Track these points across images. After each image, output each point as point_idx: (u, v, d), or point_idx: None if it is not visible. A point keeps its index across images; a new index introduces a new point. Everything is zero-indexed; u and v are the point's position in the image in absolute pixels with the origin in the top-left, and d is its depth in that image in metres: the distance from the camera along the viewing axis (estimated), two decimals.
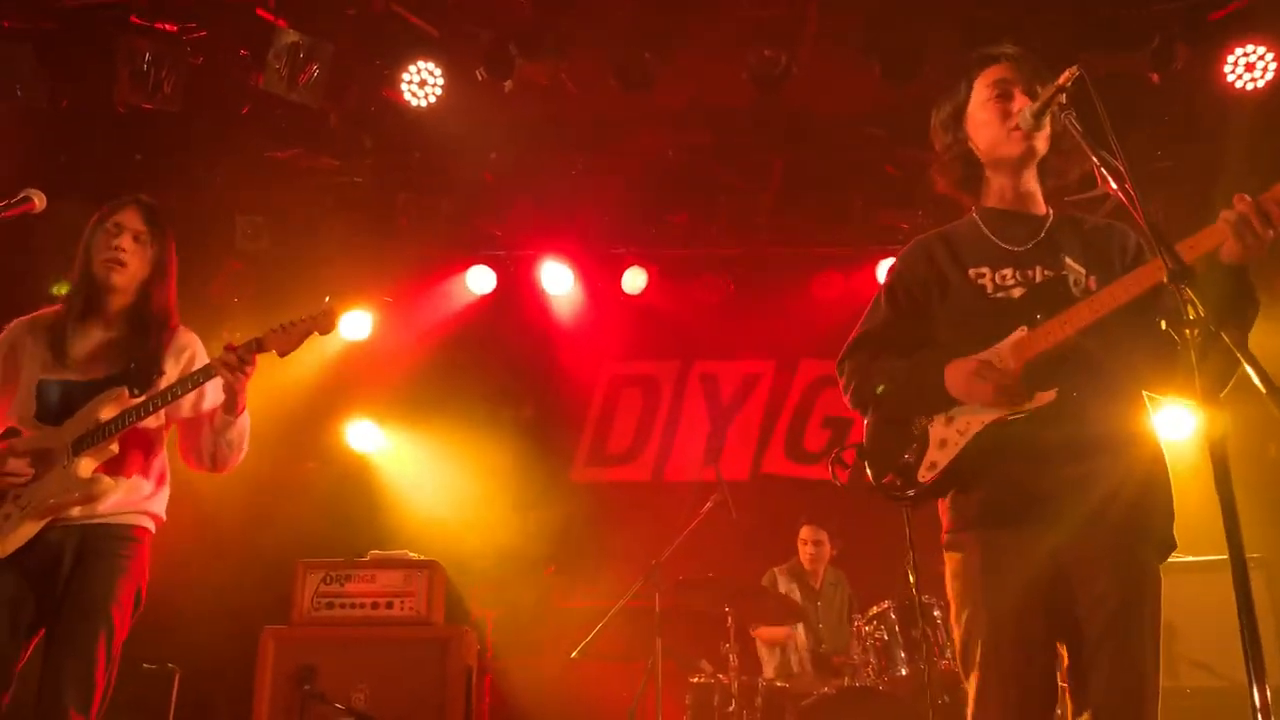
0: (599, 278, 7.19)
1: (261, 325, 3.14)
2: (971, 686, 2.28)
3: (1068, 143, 2.43)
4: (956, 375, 2.34)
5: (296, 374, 6.49)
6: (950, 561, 2.40)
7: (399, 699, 4.63)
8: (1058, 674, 2.27)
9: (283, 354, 3.13)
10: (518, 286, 7.17)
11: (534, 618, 6.53)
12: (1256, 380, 1.71)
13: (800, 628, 5.80)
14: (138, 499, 3.14)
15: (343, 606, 4.91)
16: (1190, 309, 1.78)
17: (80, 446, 3.02)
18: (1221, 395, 2.12)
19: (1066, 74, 2.15)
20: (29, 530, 2.96)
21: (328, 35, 5.18)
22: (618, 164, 6.34)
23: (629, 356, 7.62)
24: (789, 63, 5.21)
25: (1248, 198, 2.06)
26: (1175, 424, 5.72)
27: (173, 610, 4.18)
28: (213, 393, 3.22)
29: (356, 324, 6.92)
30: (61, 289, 5.25)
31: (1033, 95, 2.39)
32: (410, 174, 6.39)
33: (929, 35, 5.12)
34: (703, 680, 5.17)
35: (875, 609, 5.06)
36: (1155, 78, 5.29)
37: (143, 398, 3.09)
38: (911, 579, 4.16)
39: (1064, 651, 2.26)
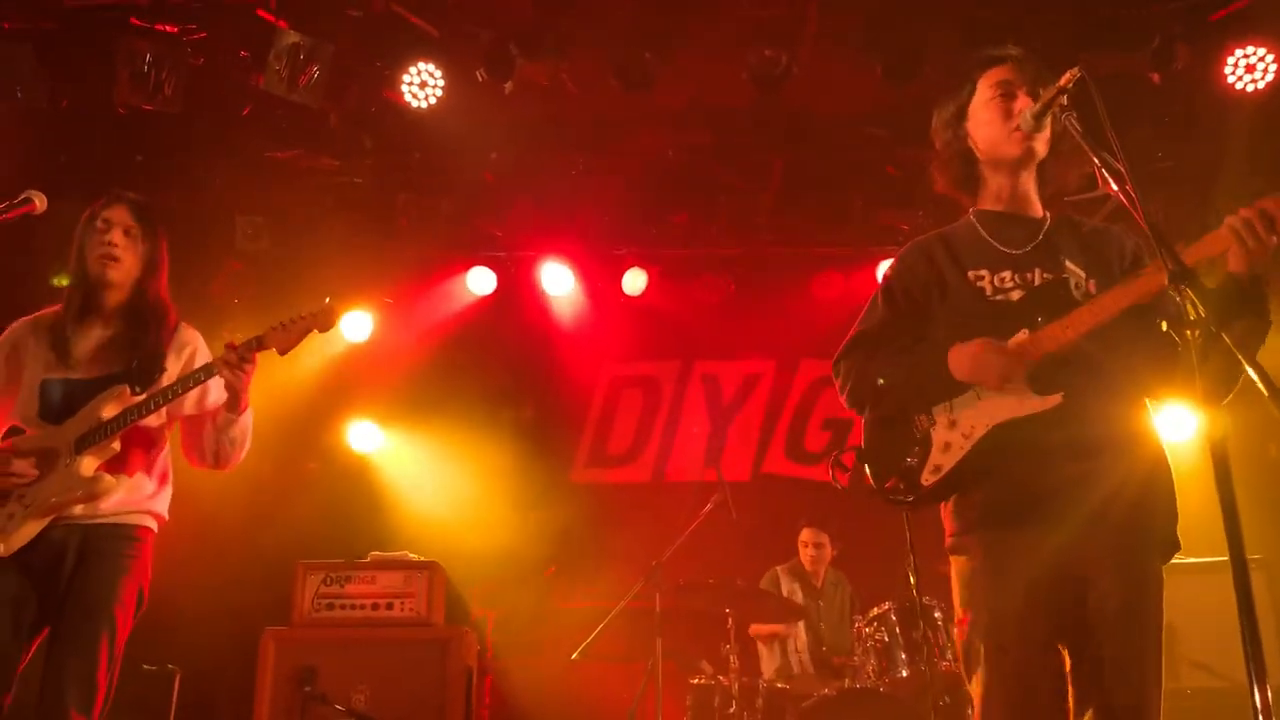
0: (599, 278, 7.19)
1: (262, 326, 3.14)
2: (976, 688, 2.27)
3: (1067, 146, 2.44)
4: (961, 355, 2.34)
5: (297, 375, 6.50)
6: (955, 564, 2.39)
7: (399, 700, 4.63)
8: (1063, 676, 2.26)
9: (283, 351, 3.14)
10: (518, 287, 7.17)
11: (534, 618, 6.53)
12: (1257, 381, 1.71)
13: (801, 627, 5.80)
14: (140, 498, 3.15)
15: (343, 607, 4.92)
16: (1191, 309, 1.78)
17: (82, 445, 3.02)
18: (1225, 401, 2.12)
19: (1068, 75, 2.15)
20: (32, 529, 2.97)
21: (328, 36, 5.18)
22: (618, 164, 6.34)
23: (629, 357, 7.62)
24: (789, 63, 5.21)
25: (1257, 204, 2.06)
26: (1176, 425, 5.71)
27: (173, 611, 4.17)
28: (215, 390, 3.22)
29: (357, 325, 6.92)
30: (62, 280, 5.26)
31: (1036, 97, 2.39)
32: (410, 174, 6.39)
33: (929, 35, 5.12)
34: (703, 681, 5.16)
35: (876, 610, 5.06)
36: (1155, 78, 5.29)
37: (144, 396, 3.10)
38: (912, 580, 4.16)
39: (1066, 653, 2.25)
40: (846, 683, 5.09)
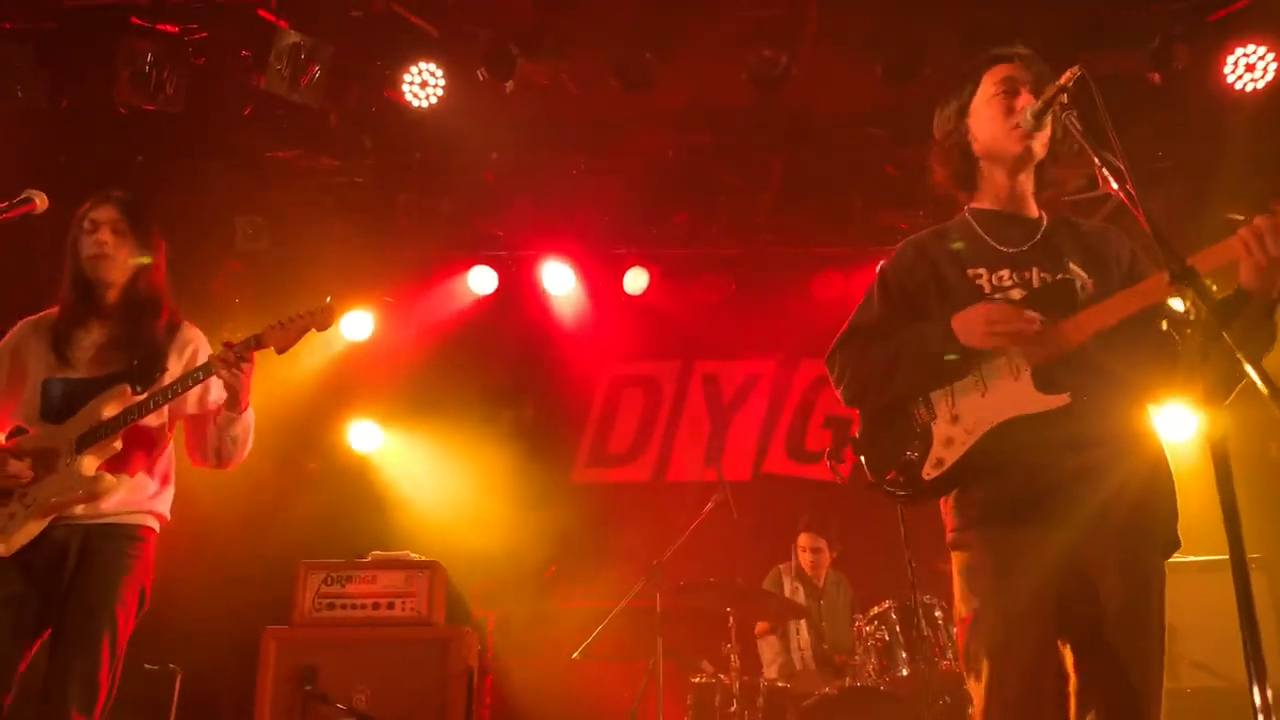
0: (600, 278, 7.19)
1: (261, 326, 3.15)
2: (980, 685, 2.25)
3: (1066, 147, 2.44)
4: (968, 316, 2.31)
5: (298, 375, 6.50)
6: (956, 559, 2.38)
7: (400, 699, 4.63)
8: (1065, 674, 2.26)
9: (281, 350, 3.14)
10: (519, 287, 7.17)
11: (535, 618, 6.52)
12: (1257, 381, 1.71)
13: (804, 624, 5.80)
14: (142, 498, 3.15)
15: (344, 607, 4.92)
16: (1191, 309, 1.78)
17: (83, 444, 3.03)
18: (1226, 401, 2.12)
19: (1068, 74, 2.15)
20: (34, 529, 2.97)
21: (329, 36, 5.19)
22: (618, 164, 6.34)
23: (630, 357, 7.62)
24: (789, 63, 5.21)
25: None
26: (1177, 425, 5.71)
27: (174, 611, 4.17)
28: (217, 389, 3.23)
29: (358, 324, 6.92)
30: None
31: (1039, 96, 2.39)
32: (411, 174, 6.39)
33: (929, 35, 5.12)
34: (704, 680, 5.16)
35: (876, 609, 5.05)
36: (1155, 78, 5.29)
37: (145, 395, 3.10)
38: (910, 578, 4.16)
39: (1067, 651, 2.26)
40: (847, 681, 5.09)
